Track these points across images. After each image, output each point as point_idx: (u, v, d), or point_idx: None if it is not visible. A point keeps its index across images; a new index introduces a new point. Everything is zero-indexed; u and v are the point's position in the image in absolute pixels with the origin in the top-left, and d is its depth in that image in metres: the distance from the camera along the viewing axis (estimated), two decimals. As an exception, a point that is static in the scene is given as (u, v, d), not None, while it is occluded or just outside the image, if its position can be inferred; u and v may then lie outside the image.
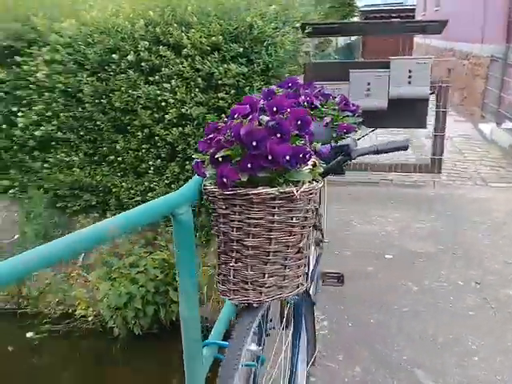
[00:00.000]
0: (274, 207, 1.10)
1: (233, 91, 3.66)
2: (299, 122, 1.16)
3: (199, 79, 3.69)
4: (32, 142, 4.27)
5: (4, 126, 4.29)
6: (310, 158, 1.14)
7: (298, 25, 4.00)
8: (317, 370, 2.01)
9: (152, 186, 4.06)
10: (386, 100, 3.80)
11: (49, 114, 4.12)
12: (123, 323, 3.92)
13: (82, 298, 4.27)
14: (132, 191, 4.14)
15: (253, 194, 1.08)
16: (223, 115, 3.38)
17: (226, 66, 3.60)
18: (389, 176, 4.45)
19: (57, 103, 4.08)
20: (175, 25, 3.71)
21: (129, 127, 3.99)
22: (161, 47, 3.73)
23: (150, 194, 3.98)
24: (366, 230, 3.35)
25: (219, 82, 3.65)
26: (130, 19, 3.80)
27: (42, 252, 0.91)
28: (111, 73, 3.88)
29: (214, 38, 3.58)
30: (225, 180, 1.09)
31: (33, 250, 0.90)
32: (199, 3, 3.76)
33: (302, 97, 2.12)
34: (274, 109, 1.15)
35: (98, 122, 4.05)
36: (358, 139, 4.75)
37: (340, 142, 1.37)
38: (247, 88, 3.61)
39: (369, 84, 3.78)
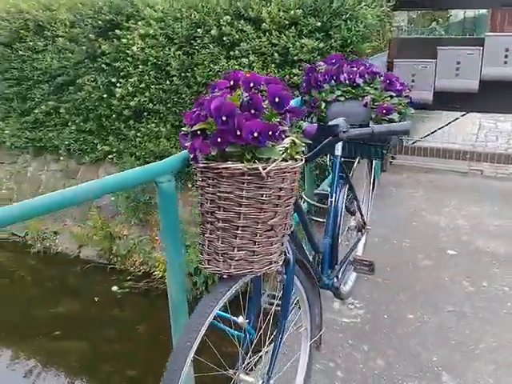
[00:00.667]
0: (243, 183, 1.10)
1: (308, 67, 3.58)
2: (277, 99, 1.12)
3: (276, 54, 3.67)
4: (127, 112, 4.63)
5: (105, 96, 4.71)
6: (282, 136, 1.10)
7: (384, -3, 3.76)
8: (338, 357, 1.96)
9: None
10: (477, 81, 3.43)
11: (142, 85, 4.43)
12: (193, 288, 4.15)
13: (160, 261, 4.60)
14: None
15: (222, 168, 1.10)
16: (297, 92, 3.33)
17: (302, 41, 3.53)
18: (480, 166, 4.05)
19: (149, 76, 4.37)
20: (257, -1, 3.72)
21: (209, 101, 4.11)
22: (242, 22, 3.77)
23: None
24: (435, 221, 3.11)
25: (295, 57, 3.59)
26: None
27: (26, 206, 1.02)
28: (196, 47, 4.04)
29: (292, 12, 3.53)
30: (197, 153, 1.11)
31: (21, 203, 1.02)
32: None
33: (344, 74, 2.04)
34: (251, 84, 1.13)
35: (183, 95, 4.26)
36: (448, 124, 4.39)
37: (330, 122, 1.29)
38: (323, 64, 3.51)
39: (458, 63, 3.43)
